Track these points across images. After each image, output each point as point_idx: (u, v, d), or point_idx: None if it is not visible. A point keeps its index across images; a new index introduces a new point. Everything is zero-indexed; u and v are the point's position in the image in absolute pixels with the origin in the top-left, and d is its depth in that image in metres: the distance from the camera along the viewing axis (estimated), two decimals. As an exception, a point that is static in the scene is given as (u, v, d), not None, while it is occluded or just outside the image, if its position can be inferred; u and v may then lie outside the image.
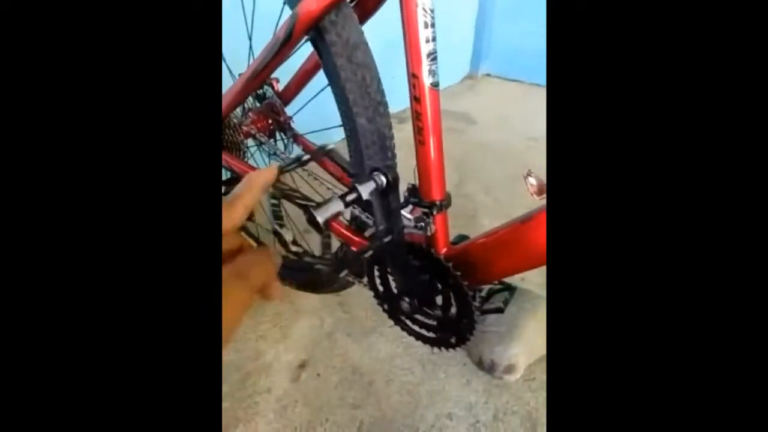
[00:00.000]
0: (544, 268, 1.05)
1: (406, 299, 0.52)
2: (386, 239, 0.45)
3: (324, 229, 0.36)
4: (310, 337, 0.86)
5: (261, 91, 0.79)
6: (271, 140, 0.82)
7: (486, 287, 0.84)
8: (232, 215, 0.27)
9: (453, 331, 0.53)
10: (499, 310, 0.75)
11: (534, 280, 0.94)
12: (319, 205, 0.36)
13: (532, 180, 0.41)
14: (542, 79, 1.95)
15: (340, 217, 0.55)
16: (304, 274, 0.90)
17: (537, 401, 0.72)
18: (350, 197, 0.37)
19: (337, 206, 0.36)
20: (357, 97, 0.49)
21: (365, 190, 0.39)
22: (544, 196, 0.40)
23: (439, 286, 0.51)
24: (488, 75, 2.27)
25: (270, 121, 0.80)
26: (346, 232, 0.64)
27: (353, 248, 0.66)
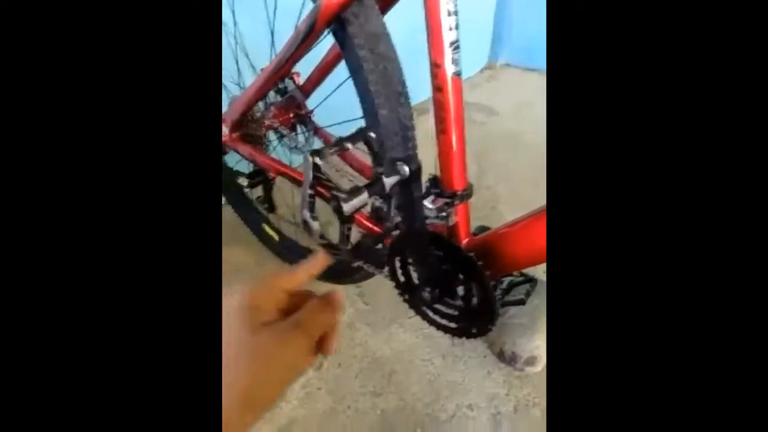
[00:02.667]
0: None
1: (427, 289, 0.52)
2: (407, 229, 0.46)
3: (349, 220, 0.36)
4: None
5: (282, 85, 0.80)
6: (293, 133, 0.83)
7: (507, 279, 0.84)
8: (296, 277, 0.29)
9: (474, 321, 0.53)
10: (521, 302, 0.75)
11: (556, 273, 0.93)
12: (347, 195, 0.36)
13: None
14: (565, 68, 1.89)
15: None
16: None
17: (559, 394, 0.72)
18: (376, 188, 0.38)
19: (363, 197, 0.37)
20: (379, 88, 0.49)
21: (389, 181, 0.39)
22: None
23: (461, 276, 0.51)
24: (508, 65, 2.23)
25: (291, 115, 0.81)
26: (367, 223, 0.65)
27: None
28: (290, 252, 0.98)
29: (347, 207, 0.35)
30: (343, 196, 0.35)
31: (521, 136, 1.53)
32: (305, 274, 0.30)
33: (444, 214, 0.49)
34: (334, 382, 0.77)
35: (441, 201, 0.51)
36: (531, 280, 0.79)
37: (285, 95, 0.80)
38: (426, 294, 0.53)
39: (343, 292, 0.30)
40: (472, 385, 0.75)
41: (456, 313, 0.56)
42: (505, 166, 1.35)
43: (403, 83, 0.51)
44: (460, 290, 0.53)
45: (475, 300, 0.52)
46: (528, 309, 0.75)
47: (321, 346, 0.28)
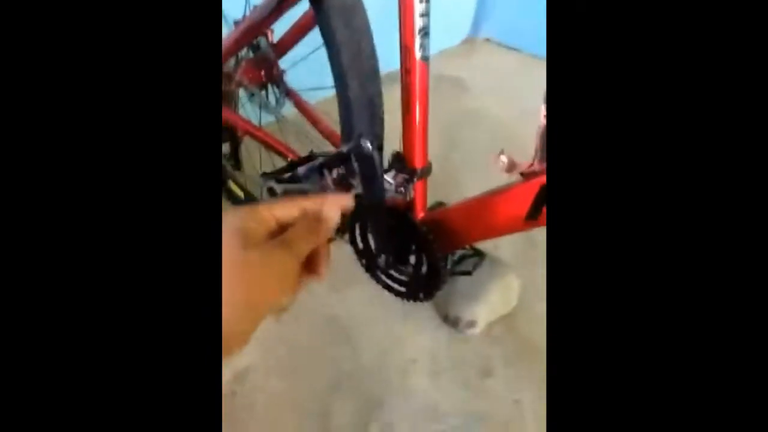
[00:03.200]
0: (516, 240, 1.11)
1: (383, 256, 0.57)
2: (367, 200, 0.49)
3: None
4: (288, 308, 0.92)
5: (255, 41, 0.78)
6: (262, 92, 0.82)
7: (459, 252, 0.91)
8: (289, 210, 0.28)
9: (422, 287, 0.59)
10: (467, 273, 0.82)
11: (506, 249, 1.01)
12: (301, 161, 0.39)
13: (503, 158, 0.45)
14: (541, 51, 1.91)
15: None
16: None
17: (493, 353, 0.81)
18: (335, 160, 0.41)
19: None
20: (350, 61, 0.51)
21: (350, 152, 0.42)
22: (514, 173, 0.44)
23: (413, 246, 0.56)
24: (488, 40, 2.22)
25: (262, 73, 0.80)
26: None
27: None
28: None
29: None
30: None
31: (492, 114, 1.57)
32: (298, 208, 0.29)
33: (402, 189, 0.53)
34: (290, 334, 0.83)
35: (401, 177, 0.55)
36: (479, 254, 0.86)
37: (257, 52, 0.79)
38: (381, 260, 0.58)
39: (337, 201, 0.29)
40: (417, 342, 0.83)
41: (406, 279, 0.61)
42: (472, 143, 1.40)
43: (375, 59, 0.53)
44: (412, 259, 0.59)
45: (424, 268, 0.58)
46: (474, 279, 0.83)
47: (311, 267, 0.29)
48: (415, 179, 0.53)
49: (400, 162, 0.55)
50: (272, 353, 0.80)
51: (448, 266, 0.86)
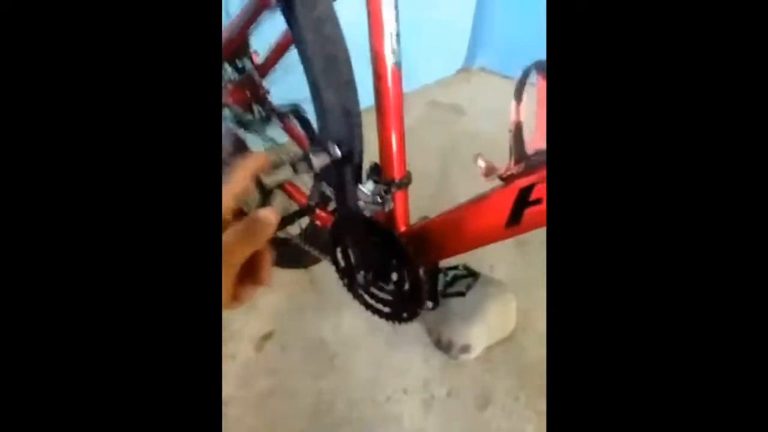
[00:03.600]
0: (513, 260, 1.06)
1: (362, 272, 0.54)
2: (339, 210, 0.47)
3: (269, 193, 0.37)
4: (279, 310, 0.88)
5: (240, 64, 0.79)
6: (249, 113, 0.82)
7: (451, 273, 0.86)
8: (236, 181, 0.27)
9: (405, 306, 0.55)
10: (461, 294, 0.78)
11: (503, 270, 0.96)
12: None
13: (481, 162, 0.42)
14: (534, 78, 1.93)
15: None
16: (280, 249, 0.92)
17: (492, 381, 0.75)
18: (301, 165, 0.39)
19: (285, 173, 0.37)
20: (323, 71, 0.50)
21: (318, 160, 0.40)
22: (492, 177, 0.42)
23: (394, 262, 0.52)
24: (483, 69, 2.26)
25: (248, 93, 0.81)
26: (298, 196, 0.66)
27: (317, 222, 0.68)
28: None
29: (268, 180, 0.36)
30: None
31: (488, 136, 1.57)
32: (229, 196, 0.27)
33: (379, 200, 0.50)
34: (275, 363, 0.78)
35: (379, 188, 0.52)
36: (473, 275, 0.82)
37: (242, 74, 0.79)
38: (361, 277, 0.55)
39: (271, 212, 0.27)
40: (409, 370, 0.77)
41: (389, 297, 0.57)
42: (469, 164, 1.38)
43: (349, 69, 0.52)
44: (394, 276, 0.55)
45: (406, 285, 0.54)
46: (468, 301, 0.78)
47: (253, 276, 0.27)
48: (392, 189, 0.51)
49: (377, 172, 0.53)
50: (250, 385, 0.74)
51: (440, 287, 0.82)
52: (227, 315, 0.86)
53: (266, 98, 0.79)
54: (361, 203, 0.52)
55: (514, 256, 1.00)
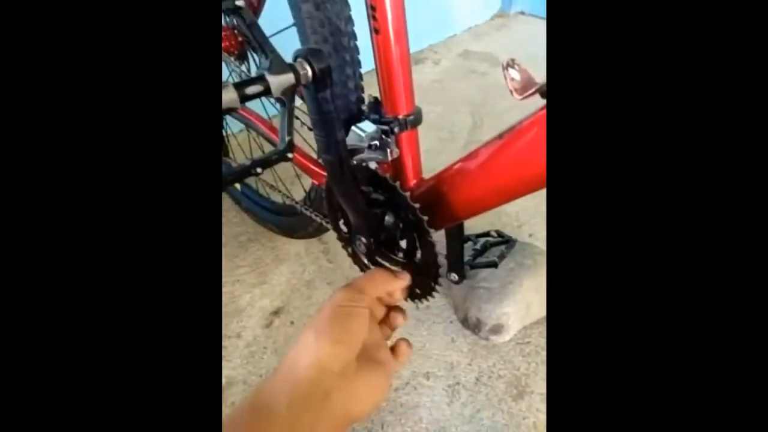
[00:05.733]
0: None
1: (363, 239, 0.43)
2: (324, 162, 0.36)
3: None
4: (289, 284, 0.80)
5: (233, 4, 0.68)
6: (244, 63, 0.72)
7: (482, 239, 0.74)
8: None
9: (417, 280, 0.44)
10: (493, 264, 0.65)
11: (541, 237, 0.82)
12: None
13: (513, 73, 0.29)
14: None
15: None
16: (281, 218, 0.83)
17: (528, 366, 0.64)
18: (251, 88, 0.28)
19: (232, 96, 0.27)
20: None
21: (276, 80, 0.29)
22: (529, 94, 0.28)
23: (401, 226, 0.41)
24: (522, 13, 2.01)
25: (240, 39, 0.70)
26: (308, 164, 0.55)
27: (314, 181, 0.57)
28: (251, 201, 0.89)
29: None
30: None
31: (525, 89, 1.38)
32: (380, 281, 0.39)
33: (375, 143, 0.38)
34: (283, 341, 0.71)
35: (378, 128, 0.40)
36: (508, 241, 0.69)
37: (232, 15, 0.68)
38: (361, 245, 0.44)
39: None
40: (432, 352, 0.67)
41: (398, 268, 0.47)
42: (500, 117, 1.22)
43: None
44: (402, 242, 0.44)
45: (418, 254, 0.43)
46: (500, 273, 0.66)
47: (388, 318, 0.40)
48: (396, 130, 0.39)
49: (378, 109, 0.41)
50: (260, 364, 0.68)
51: (468, 257, 0.70)
52: (234, 290, 0.80)
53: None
54: (359, 151, 0.41)
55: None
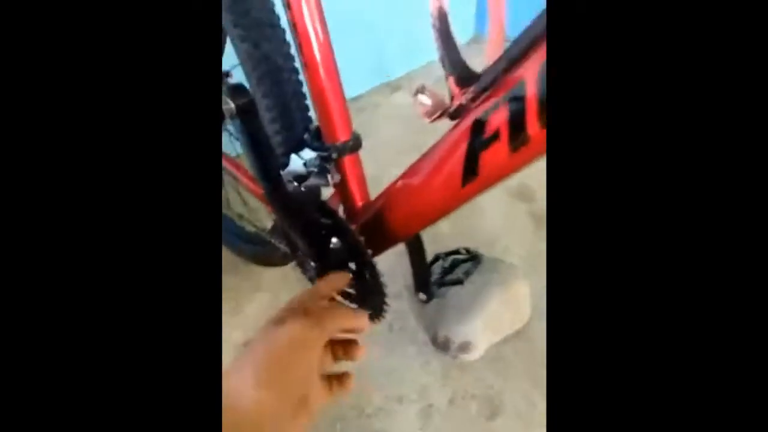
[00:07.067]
0: (529, 239, 0.92)
1: (308, 263, 0.44)
2: (264, 190, 0.37)
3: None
4: (264, 313, 0.80)
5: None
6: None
7: (450, 257, 0.74)
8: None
9: (368, 300, 0.44)
10: (458, 282, 0.66)
11: (517, 252, 0.83)
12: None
13: (423, 98, 0.30)
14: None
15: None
16: (254, 247, 0.84)
17: (503, 384, 0.63)
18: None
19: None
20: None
21: (227, 107, 0.31)
22: (436, 116, 0.30)
23: (345, 249, 0.42)
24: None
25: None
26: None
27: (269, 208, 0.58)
28: (227, 232, 0.90)
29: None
30: None
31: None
32: (333, 283, 0.36)
33: (314, 169, 0.40)
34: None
35: (318, 156, 0.42)
36: (474, 257, 0.70)
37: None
38: (310, 268, 0.45)
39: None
40: (405, 375, 0.66)
41: (352, 291, 0.47)
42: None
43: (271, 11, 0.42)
44: (351, 265, 0.45)
45: (367, 275, 0.44)
46: (468, 290, 0.66)
47: (346, 350, 0.34)
48: (333, 155, 0.40)
49: (318, 138, 0.43)
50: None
51: (436, 275, 0.70)
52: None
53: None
54: (306, 177, 0.43)
55: (532, 235, 0.86)
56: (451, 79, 0.27)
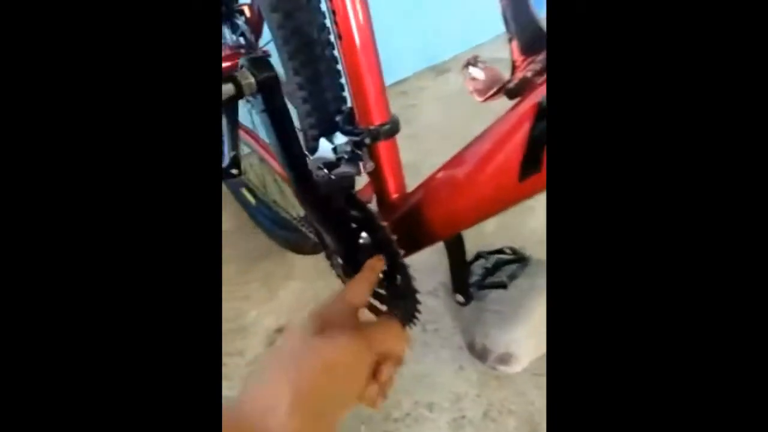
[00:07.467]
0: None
1: (337, 259, 0.40)
2: (290, 177, 0.33)
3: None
4: (297, 301, 0.79)
5: (233, 18, 0.69)
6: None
7: (494, 257, 0.68)
8: (359, 289, 0.32)
9: (398, 303, 0.40)
10: (501, 285, 0.60)
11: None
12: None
13: (475, 71, 0.25)
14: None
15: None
16: (287, 233, 0.83)
17: (544, 401, 0.56)
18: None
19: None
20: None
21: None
22: (490, 94, 0.24)
23: (369, 242, 0.38)
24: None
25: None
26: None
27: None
28: (263, 216, 0.90)
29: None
30: None
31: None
32: (365, 283, 0.32)
33: (344, 156, 0.36)
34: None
35: (350, 141, 0.38)
36: (521, 259, 0.63)
37: (236, 32, 0.69)
38: (337, 265, 0.41)
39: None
40: (438, 380, 0.62)
41: (383, 291, 0.43)
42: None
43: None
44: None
45: (398, 278, 0.39)
46: (512, 294, 0.60)
47: (376, 371, 0.28)
48: (366, 140, 0.36)
49: (351, 121, 0.38)
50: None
51: (477, 276, 0.64)
52: (241, 305, 0.79)
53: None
54: (337, 165, 0.38)
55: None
56: (515, 44, 0.21)
